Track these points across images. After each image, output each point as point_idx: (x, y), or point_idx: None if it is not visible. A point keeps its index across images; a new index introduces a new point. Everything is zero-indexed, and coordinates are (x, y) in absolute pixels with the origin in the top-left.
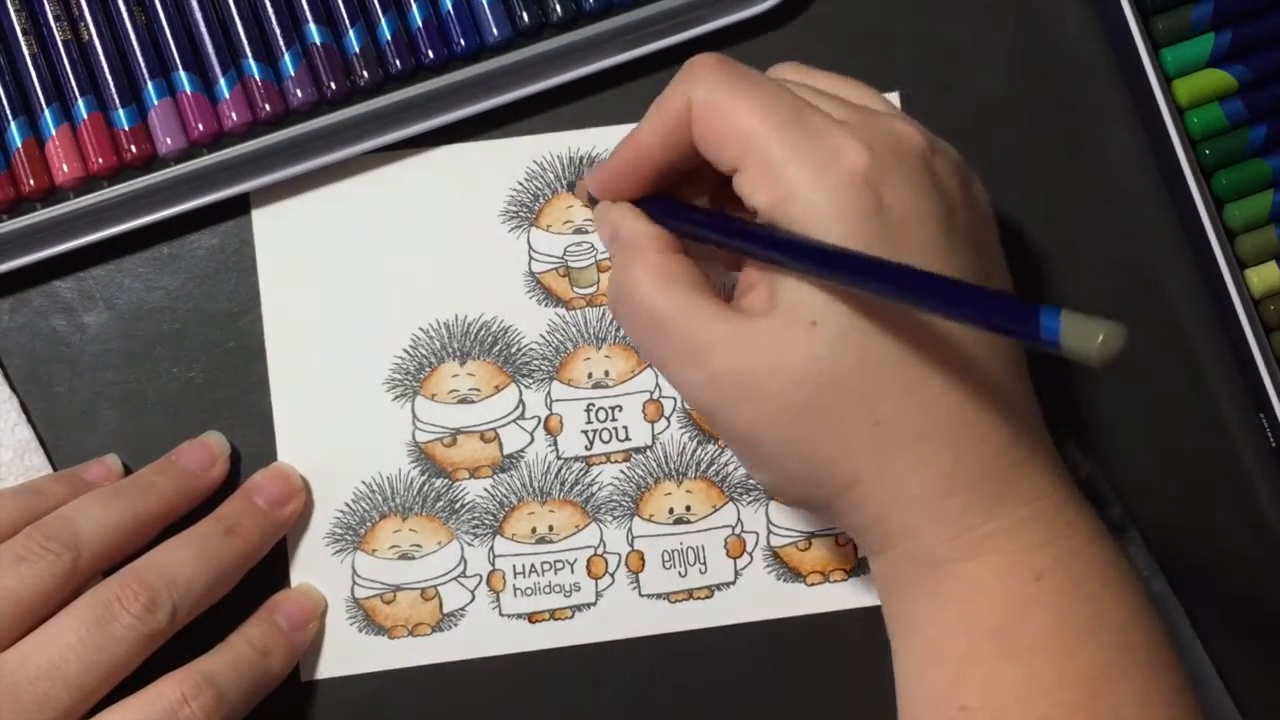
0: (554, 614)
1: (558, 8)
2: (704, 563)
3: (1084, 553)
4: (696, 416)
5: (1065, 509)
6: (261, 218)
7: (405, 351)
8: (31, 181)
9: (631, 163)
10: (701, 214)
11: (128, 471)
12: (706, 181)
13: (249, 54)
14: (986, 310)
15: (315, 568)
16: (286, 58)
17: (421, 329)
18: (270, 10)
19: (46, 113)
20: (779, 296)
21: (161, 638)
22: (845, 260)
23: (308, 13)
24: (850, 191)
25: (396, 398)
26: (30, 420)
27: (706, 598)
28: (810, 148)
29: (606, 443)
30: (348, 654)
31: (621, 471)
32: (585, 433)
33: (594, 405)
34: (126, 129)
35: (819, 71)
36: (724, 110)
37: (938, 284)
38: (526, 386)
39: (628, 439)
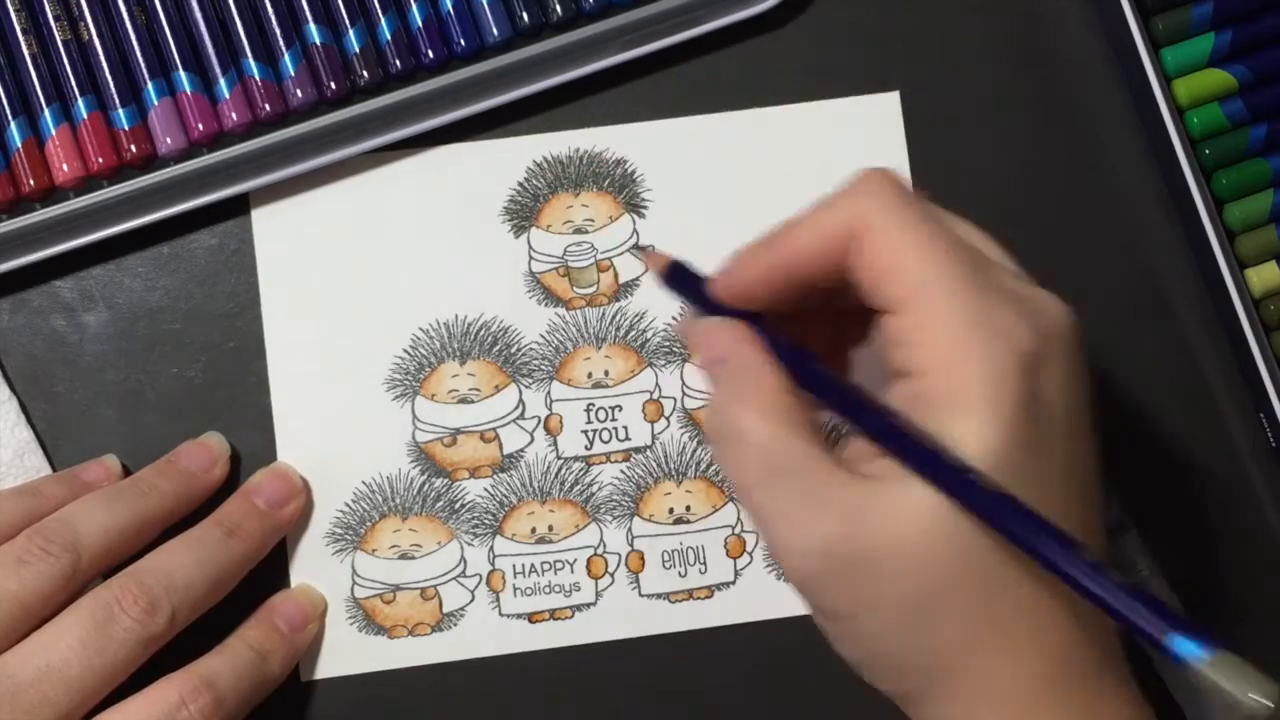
0: (554, 614)
1: (558, 8)
2: (704, 563)
3: None
4: (696, 416)
5: (1138, 702)
6: (261, 217)
7: (405, 351)
8: (31, 181)
9: (780, 272)
10: (837, 384)
11: (127, 472)
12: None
13: (249, 54)
14: (1121, 608)
15: (315, 567)
16: (286, 58)
17: (421, 329)
18: (270, 10)
19: (46, 113)
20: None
21: (161, 640)
22: (989, 503)
23: (308, 13)
24: (1014, 378)
25: (396, 398)
26: (30, 420)
27: (706, 598)
28: (986, 318)
29: (606, 442)
30: (348, 654)
31: (621, 471)
32: (585, 433)
33: (594, 405)
34: (126, 129)
35: (958, 217)
36: (901, 240)
37: (1092, 577)
38: (526, 386)
39: (628, 439)
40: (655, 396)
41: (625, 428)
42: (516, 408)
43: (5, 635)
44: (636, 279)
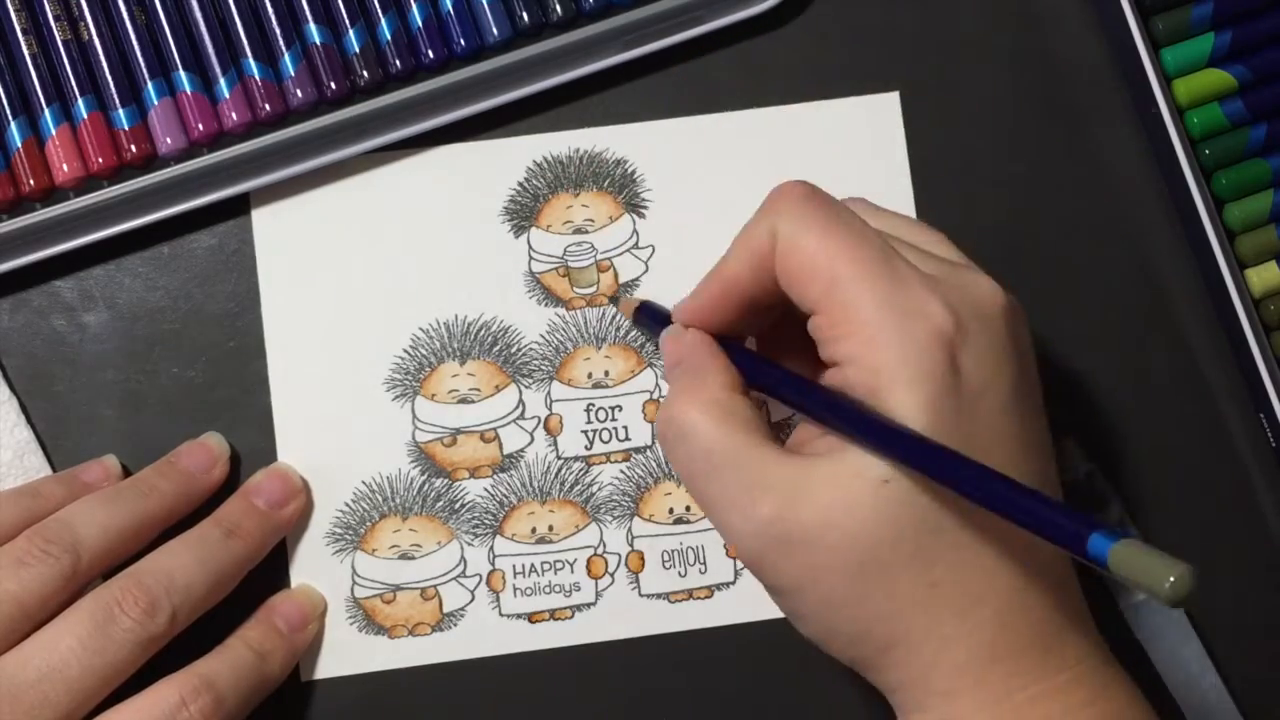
0: (554, 614)
1: (558, 8)
2: (704, 563)
3: (1123, 714)
4: None
5: (1103, 671)
6: (261, 217)
7: (405, 351)
8: (31, 181)
9: (720, 296)
10: (778, 371)
11: (127, 472)
12: (795, 322)
13: (249, 54)
14: (1041, 522)
15: (315, 567)
16: (286, 58)
17: (421, 329)
18: (270, 10)
19: (46, 113)
20: (849, 449)
21: (161, 641)
22: (920, 450)
23: (308, 13)
24: (931, 354)
25: (396, 398)
26: (30, 420)
27: (706, 598)
28: (897, 297)
29: (606, 443)
30: (348, 654)
31: (621, 471)
32: (585, 432)
33: (594, 405)
34: (126, 129)
35: (890, 212)
36: (810, 247)
37: (1005, 489)
38: (526, 386)
39: (627, 439)
40: (655, 396)
41: (625, 428)
42: (516, 408)
43: (5, 636)
44: (637, 279)
